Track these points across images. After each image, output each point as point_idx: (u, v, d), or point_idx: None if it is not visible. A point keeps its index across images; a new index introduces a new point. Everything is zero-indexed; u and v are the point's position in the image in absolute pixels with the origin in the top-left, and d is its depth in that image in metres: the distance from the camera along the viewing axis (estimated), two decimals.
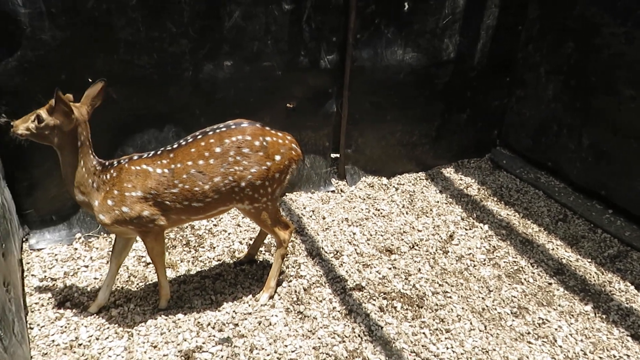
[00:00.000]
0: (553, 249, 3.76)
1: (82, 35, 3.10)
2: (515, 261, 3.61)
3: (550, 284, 3.41)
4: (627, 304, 3.24)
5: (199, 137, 2.70)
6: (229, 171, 2.68)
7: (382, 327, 2.92)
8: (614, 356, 2.84)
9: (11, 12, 2.89)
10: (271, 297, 3.07)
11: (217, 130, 2.71)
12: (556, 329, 3.01)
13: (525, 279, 3.43)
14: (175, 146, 2.71)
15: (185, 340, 2.73)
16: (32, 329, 2.76)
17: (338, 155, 4.48)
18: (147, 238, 2.75)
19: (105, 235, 3.57)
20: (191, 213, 2.75)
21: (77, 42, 3.10)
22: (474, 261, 3.58)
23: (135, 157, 2.70)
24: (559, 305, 3.21)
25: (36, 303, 2.93)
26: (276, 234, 3.02)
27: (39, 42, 3.01)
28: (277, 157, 2.79)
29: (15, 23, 2.92)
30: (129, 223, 2.64)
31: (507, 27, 4.57)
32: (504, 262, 3.59)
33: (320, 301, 3.10)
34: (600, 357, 2.83)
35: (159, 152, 2.70)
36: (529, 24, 4.62)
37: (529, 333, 2.98)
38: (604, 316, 3.14)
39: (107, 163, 2.68)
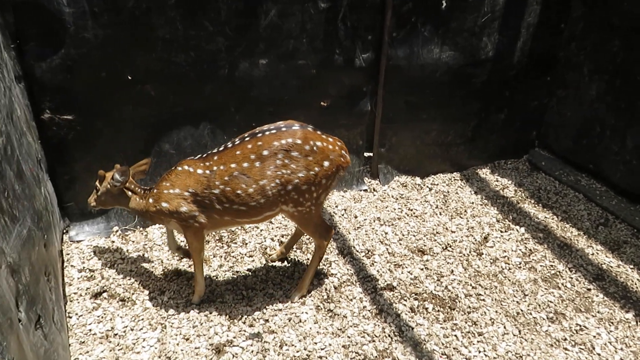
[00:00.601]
0: (593, 254, 3.63)
1: (122, 33, 3.18)
2: (552, 265, 3.50)
3: (589, 289, 3.29)
4: None
5: (247, 139, 2.72)
6: (276, 174, 2.66)
7: (412, 328, 2.89)
8: None
9: (56, 12, 2.99)
10: (303, 297, 3.08)
11: (267, 133, 2.70)
12: (594, 336, 2.91)
13: (562, 284, 3.33)
14: (221, 149, 2.77)
15: (216, 334, 2.77)
16: (70, 317, 2.85)
17: (371, 154, 4.45)
18: (187, 232, 2.84)
19: (141, 229, 3.66)
20: (235, 215, 2.77)
21: (118, 40, 3.19)
22: (509, 264, 3.50)
23: (182, 162, 2.85)
24: (598, 312, 3.10)
25: (75, 293, 3.03)
26: (316, 238, 3.02)
27: (82, 41, 3.11)
28: (326, 163, 2.75)
29: (59, 22, 3.02)
30: (170, 216, 2.76)
31: (549, 25, 4.44)
32: (541, 265, 3.50)
33: (351, 300, 3.09)
34: None
35: (204, 155, 2.80)
36: (573, 21, 4.48)
37: (565, 339, 2.89)
38: None
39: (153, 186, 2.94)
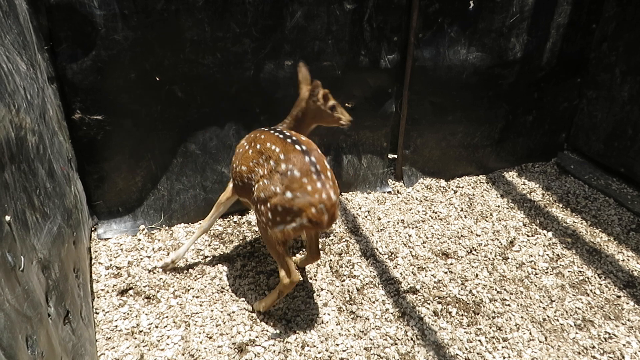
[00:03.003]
0: (623, 260, 3.53)
1: (151, 35, 3.24)
2: (580, 271, 3.42)
3: (619, 296, 3.21)
4: None
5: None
6: (249, 165, 2.82)
7: (435, 332, 2.86)
8: None
9: (87, 14, 3.06)
10: (259, 312, 2.93)
11: (281, 137, 2.78)
12: (624, 345, 2.84)
13: (591, 290, 3.25)
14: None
15: (239, 333, 2.79)
16: (97, 314, 2.92)
17: (396, 155, 4.43)
18: None
19: (166, 227, 3.71)
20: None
21: (147, 41, 3.24)
22: (535, 269, 3.43)
23: None
24: (628, 320, 3.02)
25: (102, 289, 3.10)
26: (279, 267, 2.76)
27: (112, 42, 3.17)
28: (288, 194, 2.54)
29: (91, 24, 3.09)
30: None
31: (579, 25, 4.35)
32: (569, 271, 3.42)
33: (373, 302, 3.08)
34: None
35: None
36: (604, 21, 4.37)
37: (593, 347, 2.82)
38: None
39: None
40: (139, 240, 3.58)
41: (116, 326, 2.83)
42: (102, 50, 3.17)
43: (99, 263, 3.33)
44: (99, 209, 3.62)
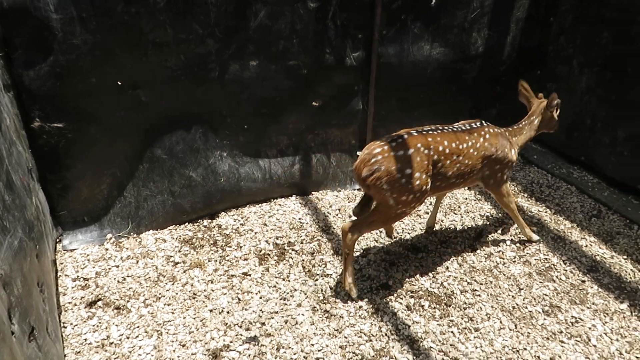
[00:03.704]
0: (586, 246, 3.65)
1: (112, 38, 3.16)
2: (546, 258, 3.52)
3: (583, 281, 3.31)
4: None
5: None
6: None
7: (409, 326, 2.90)
8: None
9: (43, 19, 2.96)
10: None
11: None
12: (590, 328, 2.93)
13: (557, 277, 3.35)
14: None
15: (213, 339, 2.76)
16: (65, 328, 2.84)
17: None
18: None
19: (135, 235, 3.64)
20: None
21: (107, 45, 3.16)
22: (503, 259, 3.51)
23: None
24: (593, 304, 3.12)
25: (69, 302, 3.02)
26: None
27: (70, 47, 3.08)
28: None
29: (47, 29, 2.99)
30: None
31: (538, 19, 4.46)
32: (535, 259, 3.51)
33: (347, 300, 3.09)
34: (637, 357, 2.74)
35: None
36: (561, 15, 4.50)
37: (561, 332, 2.90)
38: None
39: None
40: (107, 249, 3.50)
41: (85, 339, 2.76)
42: (60, 55, 3.08)
43: (65, 275, 3.24)
44: (63, 220, 3.52)
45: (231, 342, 2.75)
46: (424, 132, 2.96)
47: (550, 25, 4.55)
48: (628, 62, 3.98)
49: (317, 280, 3.25)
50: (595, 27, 4.20)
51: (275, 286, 3.19)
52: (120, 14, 3.13)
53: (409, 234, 3.75)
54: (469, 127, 3.17)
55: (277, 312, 2.97)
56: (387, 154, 2.82)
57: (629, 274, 3.36)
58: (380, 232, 3.76)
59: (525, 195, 4.33)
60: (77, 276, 3.23)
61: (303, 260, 3.44)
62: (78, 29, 3.06)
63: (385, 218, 3.00)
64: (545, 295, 3.18)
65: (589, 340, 2.85)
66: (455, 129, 3.11)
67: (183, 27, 3.33)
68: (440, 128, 3.06)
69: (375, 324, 2.91)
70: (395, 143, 2.86)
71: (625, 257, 3.53)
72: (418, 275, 3.31)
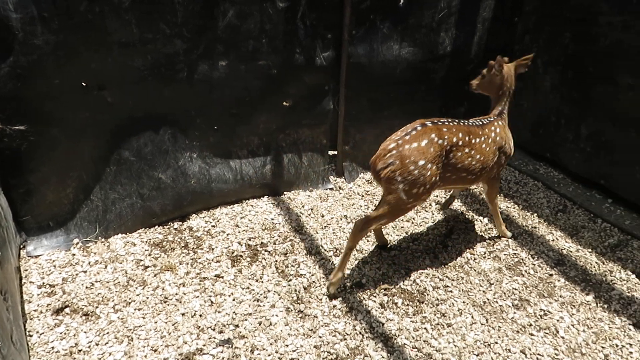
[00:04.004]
0: (553, 240, 3.74)
1: (75, 38, 3.08)
2: (515, 253, 3.59)
3: (551, 275, 3.39)
4: (628, 293, 3.23)
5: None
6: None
7: (383, 324, 2.91)
8: (617, 345, 2.83)
9: (3, 18, 2.86)
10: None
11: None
12: (558, 320, 3.00)
13: (526, 271, 3.42)
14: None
15: (185, 343, 2.72)
16: (31, 336, 2.75)
17: (336, 152, 4.46)
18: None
19: (103, 239, 3.56)
20: None
21: (71, 45, 3.08)
22: (474, 254, 3.57)
23: None
24: (560, 296, 3.20)
25: (35, 310, 2.92)
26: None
27: (32, 47, 2.98)
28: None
29: (7, 29, 2.89)
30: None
31: (503, 19, 4.55)
32: (504, 254, 3.58)
33: (321, 300, 3.09)
34: (602, 347, 2.82)
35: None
36: (526, 15, 4.60)
37: (530, 325, 2.96)
38: (605, 306, 3.12)
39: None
40: (74, 255, 3.41)
41: (53, 347, 2.68)
42: (21, 56, 2.98)
43: (30, 282, 3.14)
44: (27, 225, 3.40)
45: (204, 345, 2.71)
46: (439, 123, 3.03)
47: (515, 25, 4.65)
48: (589, 61, 4.10)
49: (290, 280, 3.23)
50: (558, 28, 4.32)
51: (248, 287, 3.16)
52: (84, 13, 3.05)
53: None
54: (481, 123, 3.27)
55: (250, 314, 2.95)
56: (400, 148, 2.89)
57: (594, 267, 3.46)
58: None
59: None
60: (43, 283, 3.13)
61: (276, 260, 3.42)
62: (39, 29, 2.97)
63: (395, 212, 3.04)
64: (515, 289, 3.25)
65: (557, 332, 2.92)
66: (470, 124, 3.20)
67: (149, 26, 3.27)
68: (457, 121, 3.14)
69: (349, 323, 2.91)
70: (409, 136, 2.92)
71: (590, 250, 3.63)
72: (391, 273, 3.34)
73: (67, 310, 2.94)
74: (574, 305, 3.13)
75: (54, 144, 3.26)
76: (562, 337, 2.88)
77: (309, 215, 3.98)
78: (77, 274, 3.22)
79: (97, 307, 2.96)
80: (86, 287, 3.11)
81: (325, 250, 3.55)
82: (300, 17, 3.74)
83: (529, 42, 4.62)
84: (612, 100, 3.97)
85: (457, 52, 4.46)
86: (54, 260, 3.34)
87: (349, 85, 4.14)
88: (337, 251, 3.54)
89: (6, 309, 2.26)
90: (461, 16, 4.33)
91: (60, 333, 2.77)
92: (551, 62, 4.45)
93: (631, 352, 2.79)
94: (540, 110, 4.64)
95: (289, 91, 3.97)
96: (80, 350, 2.66)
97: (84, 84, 3.21)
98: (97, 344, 2.71)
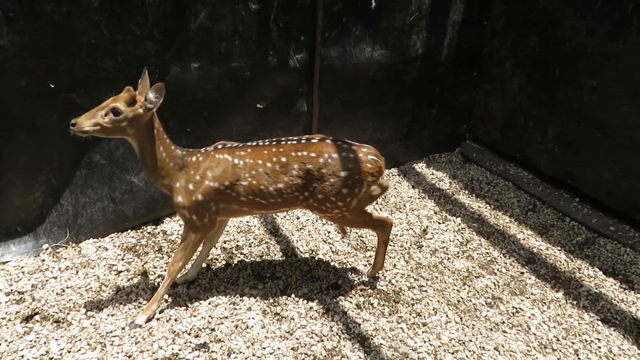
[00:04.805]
0: (524, 239, 3.83)
1: (42, 39, 3.00)
2: (487, 252, 3.66)
3: (522, 273, 3.47)
4: (596, 289, 3.32)
5: (274, 142, 2.84)
6: (293, 182, 2.77)
7: (359, 324, 2.93)
8: (586, 340, 2.91)
9: None
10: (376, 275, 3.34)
11: (289, 142, 2.83)
12: (529, 317, 3.07)
13: (498, 270, 3.49)
14: (254, 144, 2.86)
15: (160, 348, 2.68)
16: None
17: None
18: (194, 236, 2.83)
19: (73, 245, 3.47)
20: (253, 207, 2.86)
21: (37, 46, 3.00)
22: (448, 254, 3.62)
23: (220, 146, 2.85)
24: (532, 294, 3.27)
25: (3, 318, 2.83)
26: (373, 230, 3.12)
27: None
28: (343, 173, 2.77)
29: None
30: (196, 212, 2.76)
31: (472, 22, 4.63)
32: (477, 253, 3.65)
33: (297, 301, 3.08)
34: (572, 343, 2.90)
35: (240, 145, 2.86)
36: (494, 18, 4.70)
37: (503, 322, 3.03)
38: (574, 302, 3.21)
39: (192, 150, 2.81)
40: (43, 260, 3.32)
41: (22, 356, 2.59)
42: None
43: None
44: None
45: (180, 350, 2.67)
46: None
47: (484, 28, 4.75)
48: (555, 64, 4.22)
49: (266, 283, 3.22)
50: (524, 31, 4.43)
51: (224, 291, 3.13)
52: (50, 13, 2.98)
53: (356, 232, 3.79)
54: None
55: (226, 317, 2.92)
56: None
57: (563, 264, 3.55)
58: (328, 232, 3.78)
59: (466, 192, 4.49)
60: (11, 290, 3.04)
61: (252, 263, 3.40)
62: (4, 29, 2.89)
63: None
64: (488, 287, 3.31)
65: (529, 328, 2.99)
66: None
67: (119, 27, 3.21)
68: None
69: (326, 324, 2.92)
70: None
71: (559, 248, 3.73)
72: (367, 274, 3.36)
73: (37, 317, 2.86)
74: (544, 303, 3.20)
75: (21, 147, 3.17)
76: (534, 334, 2.95)
77: (285, 217, 3.97)
78: (47, 280, 3.14)
79: (68, 314, 2.89)
80: (57, 294, 3.04)
81: (301, 252, 3.55)
82: (273, 19, 3.73)
83: (497, 44, 4.72)
84: (577, 101, 4.09)
85: (429, 54, 4.52)
86: (22, 267, 3.24)
87: (323, 87, 4.16)
88: (313, 252, 3.54)
89: None
90: (432, 19, 4.40)
91: (30, 341, 2.69)
92: (519, 65, 4.56)
93: (599, 347, 2.87)
94: (509, 112, 4.74)
95: (262, 93, 3.96)
96: (51, 358, 2.59)
97: (52, 86, 3.13)
98: (69, 351, 2.64)
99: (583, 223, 3.99)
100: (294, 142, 2.83)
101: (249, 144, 2.87)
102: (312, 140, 2.84)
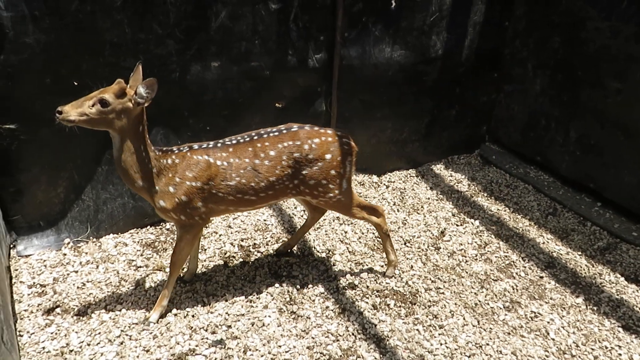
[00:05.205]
0: (543, 243, 3.78)
1: (66, 38, 3.06)
2: (506, 256, 3.62)
3: (541, 277, 3.42)
4: (617, 295, 3.26)
5: (255, 138, 2.81)
6: (284, 173, 2.81)
7: (375, 325, 2.92)
8: (606, 347, 2.86)
9: None
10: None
11: (271, 135, 2.83)
12: (548, 322, 3.03)
13: (516, 273, 3.45)
14: (234, 142, 2.81)
15: (178, 344, 2.71)
16: (21, 336, 2.72)
17: None
18: (187, 234, 2.80)
19: (94, 239, 3.53)
20: (242, 205, 2.86)
21: (62, 45, 3.06)
22: (465, 257, 3.59)
23: (196, 147, 2.76)
24: (551, 299, 3.23)
25: (25, 310, 2.90)
26: (367, 220, 3.17)
27: (22, 46, 2.97)
28: (328, 156, 2.86)
29: None
30: (183, 213, 2.72)
31: (493, 23, 4.59)
32: (496, 257, 3.61)
33: (313, 300, 3.09)
34: (592, 349, 2.85)
35: (218, 145, 2.79)
36: (516, 19, 4.65)
37: (521, 327, 2.99)
38: (595, 308, 3.16)
39: (164, 149, 2.74)
40: (64, 254, 3.38)
41: (43, 348, 2.65)
42: (11, 55, 2.96)
43: (21, 282, 3.11)
44: (17, 224, 3.37)
45: (197, 346, 2.70)
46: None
47: (505, 29, 4.70)
48: (578, 65, 4.16)
49: (283, 281, 3.23)
50: (547, 32, 4.37)
51: (241, 288, 3.16)
52: (75, 12, 3.04)
53: (373, 233, 3.78)
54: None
55: (243, 315, 2.94)
56: None
57: (584, 269, 3.50)
58: (345, 232, 3.78)
59: (485, 194, 4.44)
60: (34, 283, 3.10)
61: (269, 261, 3.42)
62: (30, 28, 2.95)
63: None
64: (506, 291, 3.27)
65: (548, 334, 2.95)
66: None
67: (142, 27, 3.26)
68: None
69: (342, 324, 2.92)
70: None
71: (579, 253, 3.67)
72: (384, 274, 3.35)
73: (58, 310, 2.92)
74: (564, 308, 3.16)
75: (45, 143, 3.24)
76: (553, 339, 2.91)
77: (302, 216, 3.98)
78: (68, 274, 3.20)
79: (88, 307, 2.94)
80: (77, 287, 3.09)
81: (318, 251, 3.56)
82: (293, 18, 3.75)
83: (519, 45, 4.67)
84: (600, 103, 4.02)
85: (449, 55, 4.49)
86: (44, 260, 3.31)
87: (341, 87, 4.16)
88: (330, 252, 3.55)
89: None
90: (452, 19, 4.37)
91: (51, 333, 2.74)
92: (541, 66, 4.50)
93: (620, 354, 2.82)
94: (530, 113, 4.68)
95: (281, 93, 3.98)
96: (71, 351, 2.64)
97: (76, 84, 3.18)
98: (88, 344, 2.69)
99: (605, 228, 3.92)
100: (275, 133, 2.83)
101: (227, 142, 2.81)
102: (292, 129, 2.86)
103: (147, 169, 2.61)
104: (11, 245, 3.37)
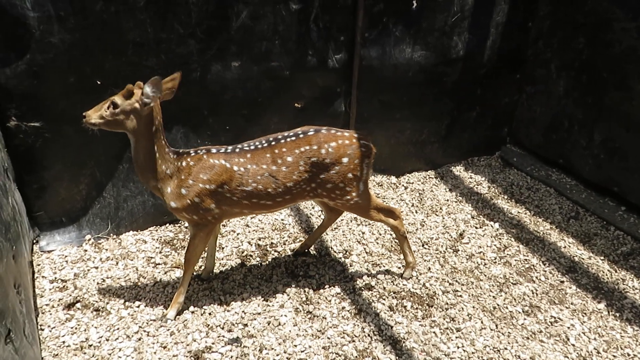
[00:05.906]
0: (565, 247, 3.71)
1: (90, 37, 3.11)
2: (526, 259, 3.57)
3: (562, 282, 3.36)
4: None
5: (273, 143, 2.82)
6: (301, 178, 2.82)
7: (392, 327, 2.90)
8: (628, 354, 2.80)
9: (20, 16, 2.91)
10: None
11: (288, 140, 2.83)
12: (569, 328, 2.98)
13: (536, 277, 3.39)
14: (252, 147, 2.83)
15: (194, 341, 2.73)
16: (42, 330, 2.78)
17: None
18: (200, 233, 2.82)
19: (114, 236, 3.59)
20: (257, 208, 2.89)
21: (86, 44, 3.12)
22: (484, 260, 3.55)
23: (214, 151, 2.79)
24: (572, 304, 3.17)
25: (47, 304, 2.96)
26: (384, 222, 3.16)
27: (48, 45, 3.03)
28: (345, 160, 2.85)
29: (24, 27, 2.94)
30: (195, 213, 2.74)
31: (516, 23, 4.52)
32: (515, 260, 3.56)
33: (330, 301, 3.09)
34: (614, 356, 2.79)
35: (236, 150, 2.82)
36: (539, 20, 4.57)
37: (541, 332, 2.94)
38: (617, 314, 3.09)
39: (181, 151, 2.78)
40: (85, 250, 3.44)
41: (64, 342, 2.70)
42: (37, 54, 3.02)
43: (43, 277, 3.18)
44: (40, 220, 3.44)
45: (213, 343, 2.72)
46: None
47: (529, 30, 4.63)
48: (603, 66, 4.07)
49: (299, 281, 3.24)
50: (571, 33, 4.29)
51: (257, 287, 3.17)
52: (99, 12, 3.09)
53: (390, 234, 3.76)
54: None
55: (259, 313, 2.95)
56: None
57: (606, 275, 3.43)
58: (363, 232, 3.77)
59: (506, 197, 4.38)
60: (55, 278, 3.17)
61: (285, 261, 3.43)
62: (56, 28, 3.02)
63: None
64: (525, 295, 3.22)
65: (568, 339, 2.90)
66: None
67: (164, 26, 3.30)
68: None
69: (358, 325, 2.91)
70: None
71: (602, 257, 3.60)
72: (402, 275, 3.33)
73: (78, 305, 2.97)
74: (585, 313, 3.10)
75: (68, 141, 3.30)
76: (573, 345, 2.86)
77: (319, 216, 3.98)
78: (88, 270, 3.25)
79: (107, 303, 2.98)
80: (97, 283, 3.14)
81: (335, 251, 3.55)
82: (313, 19, 3.75)
83: (542, 46, 4.59)
84: (625, 106, 3.93)
85: (470, 55, 4.44)
86: (66, 256, 3.37)
87: (361, 87, 4.15)
88: (347, 252, 3.54)
89: (19, 302, 2.29)
90: (474, 20, 4.32)
91: (71, 328, 2.80)
92: (564, 67, 4.42)
93: None
94: (553, 115, 4.60)
95: (300, 93, 3.98)
96: (90, 345, 2.69)
97: (99, 83, 3.24)
98: (107, 339, 2.73)
99: (629, 233, 3.83)
100: (292, 138, 2.83)
101: (245, 147, 2.83)
102: (308, 133, 2.85)
103: (160, 170, 2.67)
104: (34, 241, 3.44)
